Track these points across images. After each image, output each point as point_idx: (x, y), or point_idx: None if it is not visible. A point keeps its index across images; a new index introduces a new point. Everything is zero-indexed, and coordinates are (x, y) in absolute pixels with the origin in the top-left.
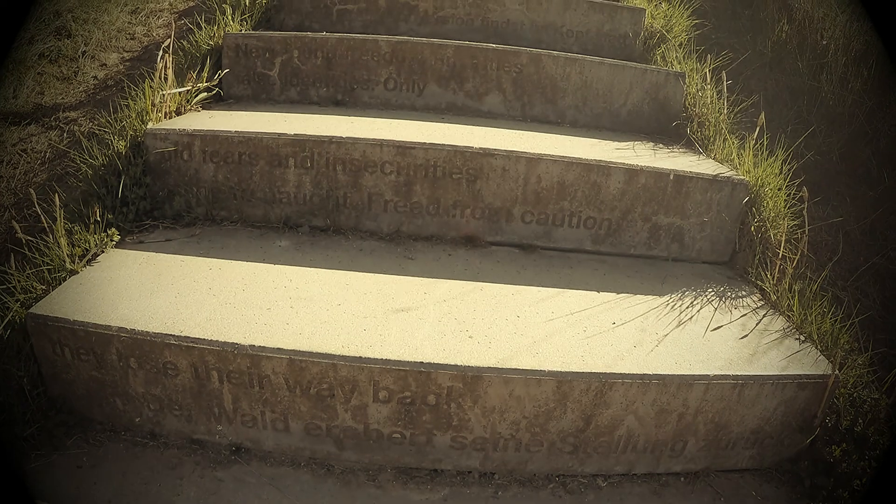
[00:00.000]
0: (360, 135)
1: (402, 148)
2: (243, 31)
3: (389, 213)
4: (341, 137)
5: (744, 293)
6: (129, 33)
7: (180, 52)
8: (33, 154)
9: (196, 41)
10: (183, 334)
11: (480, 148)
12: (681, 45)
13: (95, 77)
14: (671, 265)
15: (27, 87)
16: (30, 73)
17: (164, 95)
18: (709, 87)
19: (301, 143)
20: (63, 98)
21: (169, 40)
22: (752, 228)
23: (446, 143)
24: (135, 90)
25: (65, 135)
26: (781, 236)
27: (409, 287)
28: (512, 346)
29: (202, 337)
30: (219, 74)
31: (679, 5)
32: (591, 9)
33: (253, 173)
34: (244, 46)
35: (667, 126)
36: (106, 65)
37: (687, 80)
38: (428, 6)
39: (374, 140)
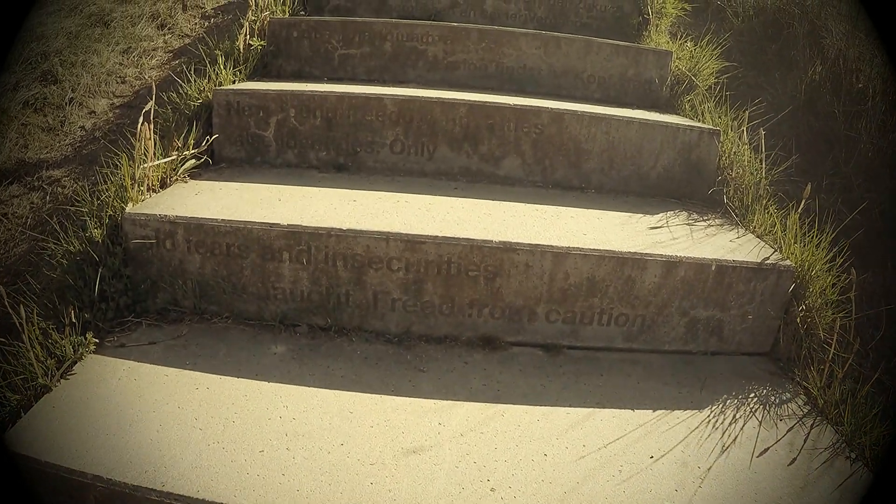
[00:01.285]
0: (362, 225)
1: (411, 243)
2: (235, 87)
3: (398, 313)
4: (341, 230)
5: (788, 395)
6: (120, 76)
7: (168, 107)
8: (14, 219)
9: (185, 94)
10: (165, 489)
11: (500, 242)
12: (709, 88)
13: (83, 127)
14: (709, 360)
15: (10, 141)
16: (13, 123)
17: (145, 169)
18: (745, 147)
19: (296, 236)
20: (48, 153)
21: (150, 104)
22: (798, 319)
23: (461, 236)
24: (118, 154)
25: (48, 197)
26: (828, 327)
27: (421, 415)
28: (539, 500)
29: (185, 494)
30: (207, 141)
31: (705, 44)
32: (615, 52)
33: (243, 267)
34: (236, 104)
35: (700, 189)
36: (94, 112)
37: (721, 138)
38: (437, 51)
39: (378, 233)
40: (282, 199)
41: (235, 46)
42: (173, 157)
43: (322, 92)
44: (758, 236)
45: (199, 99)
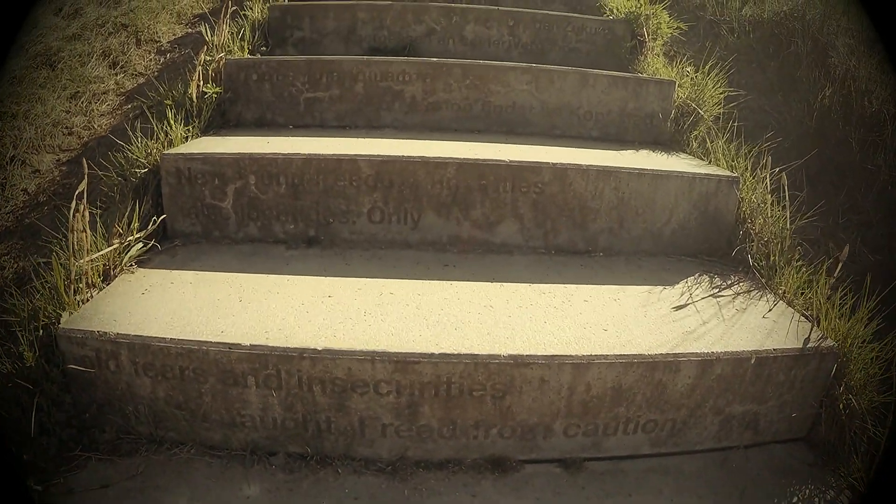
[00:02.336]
0: (341, 342)
1: (402, 363)
2: (185, 151)
3: (389, 438)
4: (315, 351)
5: (832, 493)
6: (67, 127)
7: (113, 172)
8: None
9: (130, 160)
10: None
11: (510, 357)
12: (715, 118)
13: (26, 191)
14: (743, 456)
15: None
16: None
17: (81, 266)
18: (767, 195)
19: (261, 359)
20: None
21: (83, 183)
22: (841, 405)
23: (462, 351)
24: (63, 221)
25: None
26: (871, 408)
27: None
28: None
29: None
30: (154, 223)
31: (707, 69)
32: (613, 85)
33: (202, 392)
34: (187, 171)
35: (718, 244)
36: (39, 171)
37: (741, 184)
38: (416, 91)
39: (361, 354)
40: (242, 300)
41: (187, 95)
42: (115, 246)
43: (286, 155)
44: (788, 303)
45: (146, 165)
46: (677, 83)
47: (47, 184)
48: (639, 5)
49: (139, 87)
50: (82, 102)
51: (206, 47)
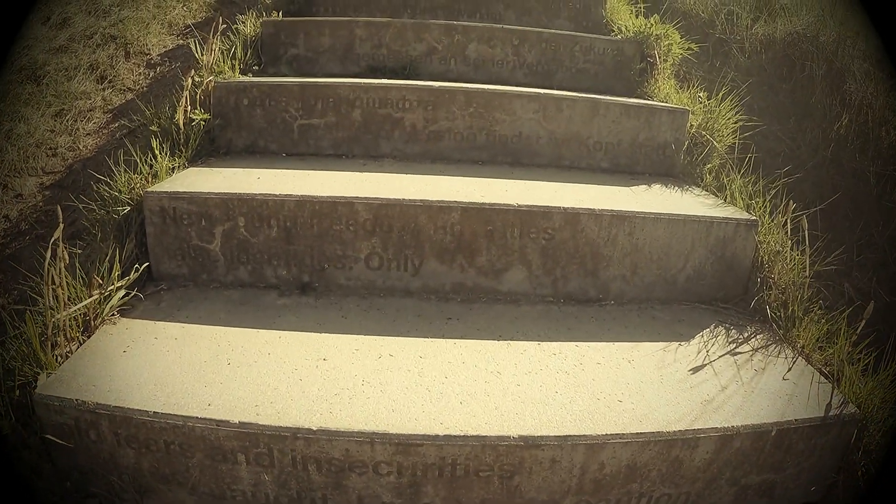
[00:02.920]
0: (337, 420)
1: (404, 445)
2: (169, 189)
3: None
4: (310, 431)
5: None
6: (51, 147)
7: (95, 205)
8: None
9: (111, 197)
10: None
11: (521, 438)
12: (729, 148)
13: (7, 217)
14: None
15: None
16: None
17: (58, 321)
18: (787, 240)
19: (252, 437)
20: None
21: (59, 229)
22: (859, 472)
23: (469, 433)
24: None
25: None
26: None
27: None
28: None
29: None
30: (136, 270)
31: (720, 96)
32: (624, 114)
33: (189, 466)
34: (172, 211)
35: (733, 290)
36: (21, 195)
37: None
38: (416, 119)
39: (360, 435)
40: (231, 362)
41: (174, 122)
42: (95, 297)
43: (277, 196)
44: (807, 359)
45: (129, 202)
46: (690, 111)
47: (30, 210)
48: (648, 25)
49: (127, 104)
50: (67, 121)
51: (193, 71)
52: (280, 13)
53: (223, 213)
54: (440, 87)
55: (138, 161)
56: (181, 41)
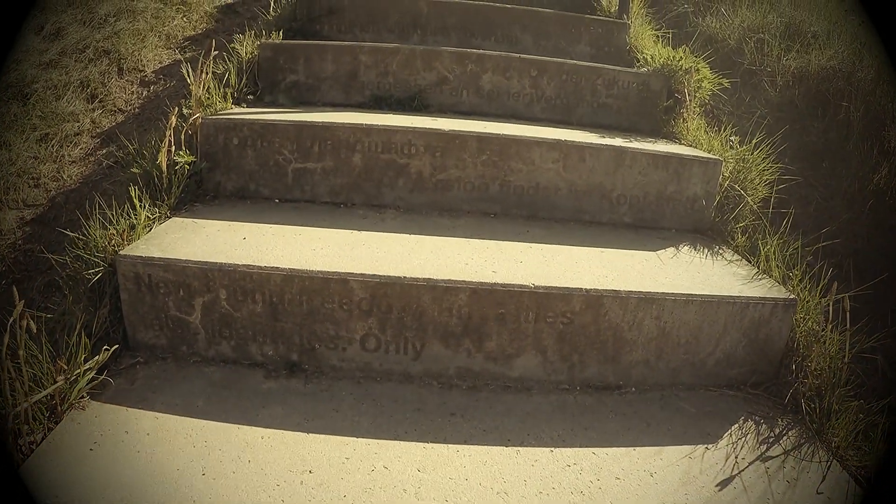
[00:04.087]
0: None
1: None
2: (143, 255)
3: None
4: None
5: None
6: (34, 177)
7: (69, 258)
8: None
9: (84, 258)
10: None
11: None
12: (762, 201)
13: None
14: None
15: None
16: None
17: (19, 413)
18: (828, 326)
19: None
20: None
21: (19, 307)
22: None
23: None
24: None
25: None
26: None
27: None
28: None
29: None
30: (106, 350)
31: (742, 125)
32: (652, 165)
33: None
34: (147, 278)
35: (765, 373)
36: (1, 231)
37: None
38: (423, 166)
39: None
40: (206, 472)
41: (156, 165)
42: (60, 384)
43: (262, 270)
44: (842, 464)
45: (102, 262)
46: (723, 161)
47: (8, 248)
48: (677, 57)
49: (117, 127)
50: (53, 146)
51: (178, 107)
52: (280, 32)
53: (203, 285)
54: (450, 131)
55: (115, 212)
56: (179, 55)
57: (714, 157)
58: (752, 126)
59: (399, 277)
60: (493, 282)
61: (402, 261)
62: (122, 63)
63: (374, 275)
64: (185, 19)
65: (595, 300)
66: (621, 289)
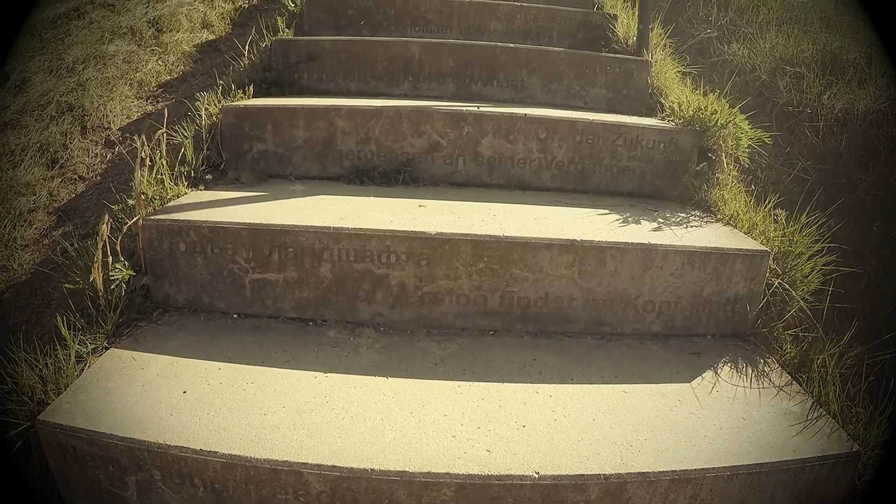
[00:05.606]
0: None
1: None
2: (63, 423)
3: None
4: None
5: None
6: None
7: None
8: None
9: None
10: None
11: None
12: (812, 294)
13: None
14: None
15: None
16: None
17: None
18: None
19: None
20: None
21: None
22: None
23: None
24: None
25: None
26: None
27: None
28: None
29: None
30: None
31: (803, 222)
32: (688, 264)
33: None
34: (72, 450)
35: None
36: None
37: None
38: (406, 277)
39: None
40: None
41: (90, 283)
42: None
43: (196, 454)
44: None
45: (24, 420)
46: (771, 253)
47: None
48: (708, 108)
49: (76, 200)
50: (4, 227)
51: (118, 204)
52: (252, 86)
53: (132, 463)
54: (437, 234)
55: (46, 342)
56: (150, 107)
57: (760, 247)
58: (791, 181)
59: (364, 470)
60: (487, 472)
61: (373, 437)
62: (85, 120)
63: (335, 466)
64: (159, 62)
65: (617, 488)
66: (650, 470)
